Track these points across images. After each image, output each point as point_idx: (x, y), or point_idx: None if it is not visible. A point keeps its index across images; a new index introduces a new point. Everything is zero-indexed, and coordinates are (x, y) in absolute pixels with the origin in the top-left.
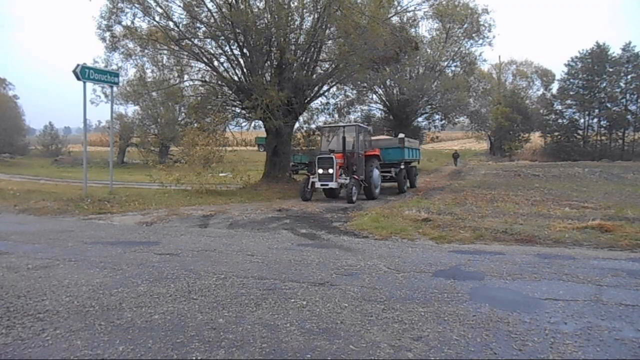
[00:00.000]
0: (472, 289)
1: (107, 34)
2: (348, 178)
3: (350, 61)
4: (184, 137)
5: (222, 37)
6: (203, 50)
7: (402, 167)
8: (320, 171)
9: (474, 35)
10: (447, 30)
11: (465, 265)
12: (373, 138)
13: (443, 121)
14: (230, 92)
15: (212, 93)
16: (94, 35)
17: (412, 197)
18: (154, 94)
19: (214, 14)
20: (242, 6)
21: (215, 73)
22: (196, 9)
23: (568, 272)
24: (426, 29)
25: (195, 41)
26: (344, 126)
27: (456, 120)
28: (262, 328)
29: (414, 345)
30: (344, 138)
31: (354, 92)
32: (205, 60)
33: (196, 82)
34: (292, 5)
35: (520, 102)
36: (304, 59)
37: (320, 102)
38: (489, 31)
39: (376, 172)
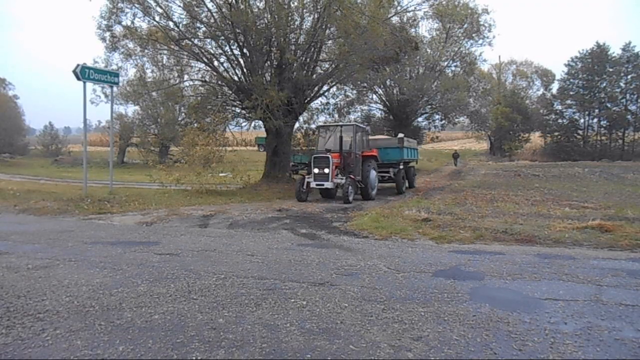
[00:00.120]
0: (472, 289)
1: (107, 34)
2: (344, 178)
3: (350, 61)
4: (184, 137)
5: (222, 37)
6: (203, 50)
7: (401, 167)
8: (316, 171)
9: (474, 35)
10: (447, 30)
11: (465, 265)
12: (371, 138)
13: (443, 121)
14: (230, 92)
15: (212, 93)
16: (94, 35)
17: (412, 197)
18: (154, 94)
19: (214, 14)
20: (242, 6)
21: (215, 73)
22: (196, 9)
23: (568, 272)
24: (426, 29)
25: (195, 41)
26: (341, 125)
27: (456, 120)
28: (262, 328)
29: (414, 345)
30: (341, 137)
31: (354, 92)
32: (205, 60)
33: (196, 82)
34: (292, 5)
35: (520, 102)
36: (304, 59)
37: (320, 102)
38: (489, 31)
39: (373, 173)
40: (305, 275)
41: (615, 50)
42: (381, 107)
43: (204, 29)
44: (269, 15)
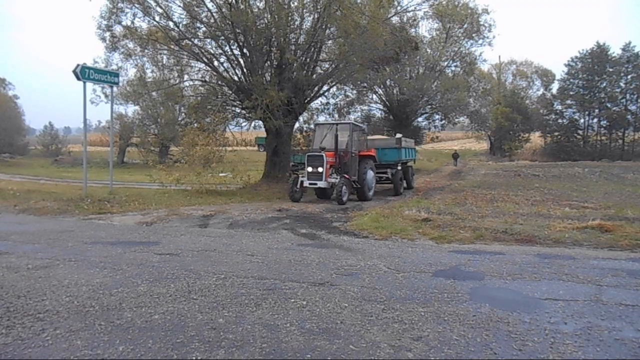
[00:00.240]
0: (472, 289)
1: (107, 34)
2: (338, 177)
3: (350, 61)
4: (184, 137)
5: (222, 37)
6: (203, 50)
7: (399, 167)
8: (310, 169)
9: (474, 35)
10: (447, 30)
11: (465, 265)
12: (369, 138)
13: (443, 121)
14: (230, 92)
15: (212, 93)
16: (94, 35)
17: (412, 197)
18: (154, 94)
19: (214, 14)
20: (242, 6)
21: (215, 73)
22: (196, 9)
23: (568, 272)
24: (426, 29)
25: (195, 41)
26: (337, 124)
27: (456, 120)
28: (262, 328)
29: (414, 345)
30: (336, 136)
31: (354, 92)
32: (205, 60)
33: (196, 82)
34: (292, 5)
35: (520, 102)
36: (304, 59)
37: (320, 102)
38: (489, 31)
39: (370, 173)
40: (305, 275)
41: (615, 50)
42: (381, 107)
43: (204, 29)
44: (269, 15)
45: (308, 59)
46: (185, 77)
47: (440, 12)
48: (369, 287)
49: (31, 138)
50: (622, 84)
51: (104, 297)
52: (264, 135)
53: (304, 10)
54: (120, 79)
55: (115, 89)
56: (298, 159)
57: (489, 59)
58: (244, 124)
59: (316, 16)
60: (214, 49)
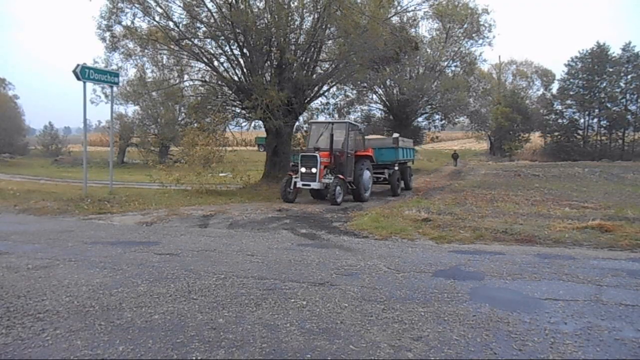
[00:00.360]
0: (472, 289)
1: (107, 34)
2: (332, 177)
3: (350, 61)
4: (184, 137)
5: (222, 37)
6: (203, 50)
7: (396, 168)
8: (303, 170)
9: (474, 35)
10: (447, 30)
11: (465, 265)
12: (368, 137)
13: (443, 121)
14: (230, 92)
15: (212, 93)
16: (94, 35)
17: (411, 197)
18: (154, 94)
19: (214, 14)
20: (242, 6)
21: (215, 73)
22: (196, 9)
23: (568, 272)
24: (426, 29)
25: (195, 41)
26: (332, 123)
27: (456, 120)
28: (262, 328)
29: (414, 345)
30: (332, 136)
31: (354, 92)
32: (205, 60)
33: (196, 82)
34: (292, 5)
35: (520, 102)
36: (304, 59)
37: (320, 102)
38: (489, 31)
39: (367, 174)
40: (305, 275)
41: (615, 50)
42: (381, 107)
43: (204, 29)
44: (269, 15)
45: (308, 59)
46: (185, 77)
47: (440, 12)
48: (369, 287)
49: (31, 138)
50: (622, 84)
51: (104, 297)
52: (264, 135)
53: (304, 10)
54: (120, 79)
55: (115, 89)
56: (298, 159)
57: (489, 59)
58: (244, 124)
59: (316, 16)
60: (214, 49)
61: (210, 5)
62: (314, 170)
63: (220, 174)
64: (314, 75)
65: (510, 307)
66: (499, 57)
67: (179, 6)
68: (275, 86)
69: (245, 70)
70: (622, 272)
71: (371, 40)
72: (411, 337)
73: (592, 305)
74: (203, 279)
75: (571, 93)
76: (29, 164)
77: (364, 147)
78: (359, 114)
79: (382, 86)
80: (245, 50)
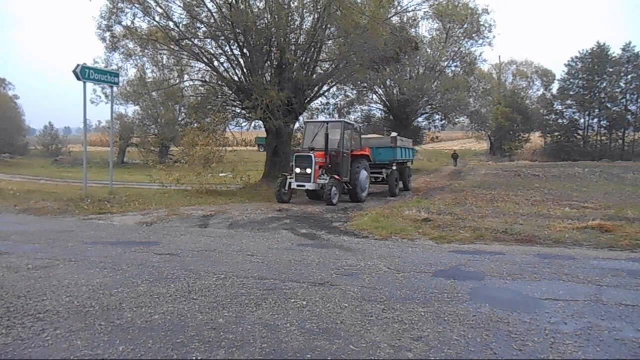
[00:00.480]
0: (472, 289)
1: (107, 34)
2: (328, 178)
3: (350, 61)
4: (184, 137)
5: (222, 37)
6: (203, 50)
7: (394, 168)
8: (298, 170)
9: (474, 35)
10: (447, 30)
11: (465, 265)
12: (363, 136)
13: (443, 121)
14: (230, 92)
15: (212, 93)
16: (94, 35)
17: (412, 197)
18: (154, 94)
19: (214, 14)
20: (242, 6)
21: (215, 73)
22: (196, 9)
23: (568, 272)
24: (426, 29)
25: (195, 41)
26: (327, 122)
27: (456, 120)
28: (262, 328)
29: (414, 345)
30: (326, 135)
31: (354, 92)
32: (205, 60)
33: (196, 82)
34: (292, 5)
35: (520, 102)
36: (304, 59)
37: (320, 102)
38: (489, 31)
39: (363, 174)
40: (305, 275)
41: (615, 50)
42: (381, 107)
43: (204, 29)
44: (269, 15)
45: (308, 59)
46: (185, 77)
47: (440, 12)
48: (369, 287)
49: (31, 138)
50: (622, 84)
51: (104, 297)
52: (264, 135)
53: (304, 10)
54: (120, 79)
55: (115, 89)
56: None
57: (489, 59)
58: (244, 124)
59: (316, 16)
60: (214, 49)
61: (210, 5)
62: (308, 170)
63: (220, 174)
64: (314, 75)
65: (510, 307)
66: (499, 57)
67: (179, 6)
68: (275, 86)
69: (245, 70)
70: (622, 272)
71: (371, 40)
72: (411, 337)
73: (592, 305)
74: (203, 279)
75: (571, 93)
76: (29, 164)
77: (361, 146)
78: (359, 114)
79: (382, 86)
80: (245, 50)
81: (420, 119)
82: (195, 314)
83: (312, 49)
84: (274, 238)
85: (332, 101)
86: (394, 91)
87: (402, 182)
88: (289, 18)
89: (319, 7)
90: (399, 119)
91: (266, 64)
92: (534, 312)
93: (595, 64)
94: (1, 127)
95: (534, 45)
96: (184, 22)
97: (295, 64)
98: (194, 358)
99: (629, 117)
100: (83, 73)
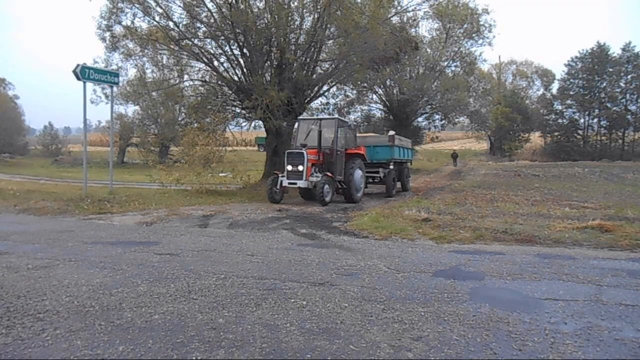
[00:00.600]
0: (472, 289)
1: (107, 34)
2: (320, 176)
3: (350, 61)
4: (184, 137)
5: (222, 37)
6: (203, 50)
7: (391, 167)
8: (289, 168)
9: (474, 35)
10: (447, 30)
11: (465, 265)
12: (361, 135)
13: (443, 121)
14: (230, 92)
15: (212, 93)
16: (94, 35)
17: (412, 197)
18: (154, 94)
19: (214, 14)
20: (242, 6)
21: (215, 73)
22: (196, 9)
23: (568, 272)
24: (426, 29)
25: (195, 41)
26: (320, 119)
27: (456, 120)
28: (262, 328)
29: (414, 345)
30: (319, 132)
31: (354, 92)
32: (205, 60)
33: (196, 82)
34: (292, 5)
35: (520, 102)
36: (304, 59)
37: (320, 102)
38: (489, 31)
39: (358, 173)
40: (305, 275)
41: (615, 50)
42: (381, 107)
43: (204, 29)
44: (269, 15)
45: (308, 59)
46: (185, 77)
47: (440, 12)
48: (369, 287)
49: (31, 138)
50: (622, 84)
51: (104, 297)
52: (264, 135)
53: (304, 10)
54: (120, 79)
55: (115, 89)
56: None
57: (489, 59)
58: (244, 124)
59: (316, 16)
60: (214, 49)
61: (210, 5)
62: (300, 167)
63: (220, 174)
64: (314, 75)
65: (510, 307)
66: (499, 57)
67: (179, 6)
68: (275, 86)
69: (245, 70)
70: (622, 272)
71: (371, 40)
72: (411, 337)
73: (592, 305)
74: (203, 279)
75: (571, 93)
76: (29, 164)
77: (356, 145)
78: (359, 114)
79: (382, 86)
80: (245, 50)
81: (420, 119)
82: (195, 314)
83: (312, 49)
84: (274, 238)
85: (332, 101)
86: (394, 91)
87: (400, 183)
88: (289, 18)
89: (319, 7)
90: (399, 119)
91: (266, 64)
92: (534, 312)
93: (595, 64)
94: (1, 127)
95: (534, 45)
96: (184, 22)
97: (295, 64)
98: (194, 358)
99: (629, 117)
100: (83, 73)
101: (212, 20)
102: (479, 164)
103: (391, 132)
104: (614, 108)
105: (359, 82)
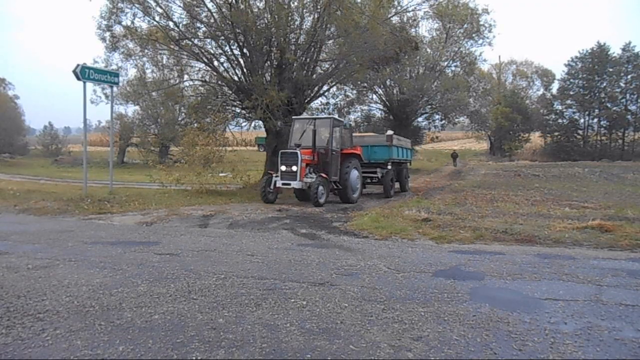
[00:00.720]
0: (472, 289)
1: (107, 34)
2: (315, 176)
3: (350, 61)
4: (184, 137)
5: (222, 37)
6: (203, 50)
7: (389, 167)
8: (283, 168)
9: (474, 35)
10: (447, 30)
11: (465, 265)
12: (360, 135)
13: (443, 121)
14: (230, 92)
15: (212, 93)
16: (94, 35)
17: (412, 197)
18: (154, 94)
19: (214, 14)
20: (242, 6)
21: (215, 73)
22: (196, 9)
23: (568, 272)
24: (426, 29)
25: (195, 41)
26: (315, 119)
27: (456, 120)
28: (262, 328)
29: (414, 345)
30: (314, 132)
31: (354, 92)
32: (205, 60)
33: (196, 82)
34: (292, 5)
35: (520, 102)
36: (304, 59)
37: (320, 102)
38: (489, 31)
39: (354, 173)
40: (305, 275)
41: (616, 50)
42: (381, 107)
43: (204, 29)
44: (269, 15)
45: (308, 59)
46: (185, 77)
47: (440, 12)
48: (369, 287)
49: (31, 138)
50: (622, 84)
51: (104, 297)
52: (264, 135)
53: (304, 10)
54: (120, 79)
55: (115, 89)
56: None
57: (489, 59)
58: (244, 124)
59: (316, 16)
60: (214, 49)
61: (210, 5)
62: (294, 168)
63: (220, 174)
64: (314, 75)
65: (510, 307)
66: (499, 57)
67: (179, 6)
68: (275, 86)
69: (245, 70)
70: (622, 272)
71: (371, 40)
72: (411, 337)
73: (592, 305)
74: (203, 279)
75: (571, 93)
76: (29, 164)
77: (352, 144)
78: (359, 114)
79: (382, 86)
80: (245, 50)
81: (420, 119)
82: (195, 314)
83: (312, 49)
84: (274, 238)
85: (332, 101)
86: (394, 91)
87: (399, 183)
88: (289, 18)
89: (319, 7)
90: (399, 119)
91: (266, 64)
92: (534, 312)
93: (595, 64)
94: (1, 127)
95: (534, 45)
96: (184, 22)
97: (295, 64)
98: (194, 358)
99: (629, 117)
100: (83, 73)
101: (212, 20)
102: (479, 164)
103: (389, 132)
104: (614, 108)
105: (359, 82)
